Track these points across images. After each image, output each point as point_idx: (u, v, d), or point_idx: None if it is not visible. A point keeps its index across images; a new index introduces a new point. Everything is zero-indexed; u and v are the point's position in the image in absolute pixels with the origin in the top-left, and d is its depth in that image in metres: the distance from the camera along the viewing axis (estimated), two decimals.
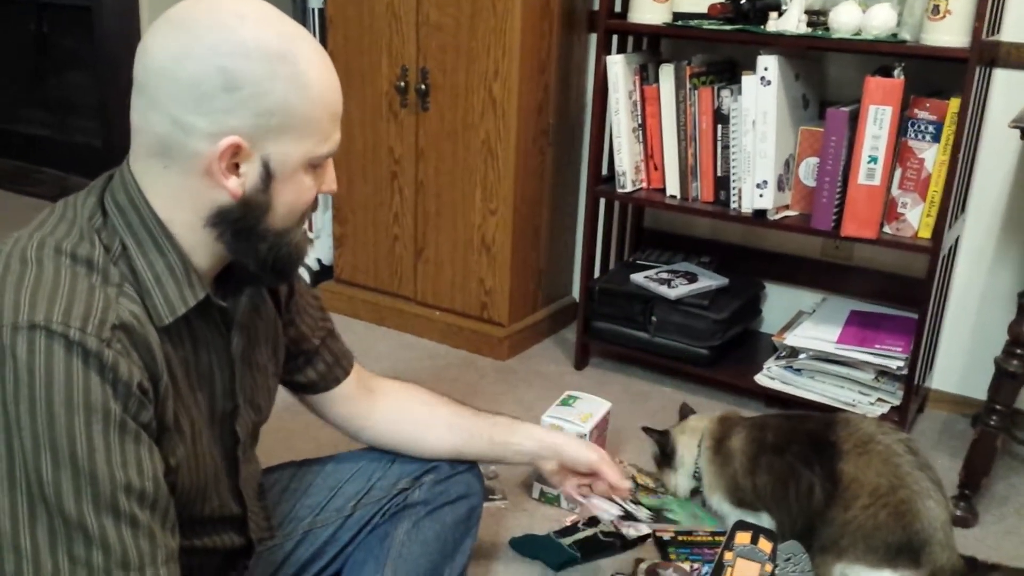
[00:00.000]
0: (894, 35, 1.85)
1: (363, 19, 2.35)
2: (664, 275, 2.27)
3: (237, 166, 0.89)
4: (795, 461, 1.51)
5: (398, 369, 2.22)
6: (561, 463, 1.37)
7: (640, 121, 2.16)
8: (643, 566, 1.51)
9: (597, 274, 2.41)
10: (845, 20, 1.86)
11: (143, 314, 0.88)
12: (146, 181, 0.91)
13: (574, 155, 2.49)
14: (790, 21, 1.93)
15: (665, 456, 1.71)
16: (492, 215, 2.30)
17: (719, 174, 2.09)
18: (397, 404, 1.33)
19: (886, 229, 1.92)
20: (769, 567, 1.40)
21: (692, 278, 2.26)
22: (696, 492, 1.71)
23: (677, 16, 2.08)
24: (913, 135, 1.86)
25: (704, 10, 2.04)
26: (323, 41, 2.42)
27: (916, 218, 1.89)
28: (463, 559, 1.33)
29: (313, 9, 2.66)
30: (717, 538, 1.62)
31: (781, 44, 1.95)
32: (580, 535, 1.60)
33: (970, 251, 2.10)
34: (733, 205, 2.08)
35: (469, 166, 2.29)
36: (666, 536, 1.62)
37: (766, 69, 1.92)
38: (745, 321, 2.31)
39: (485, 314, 2.38)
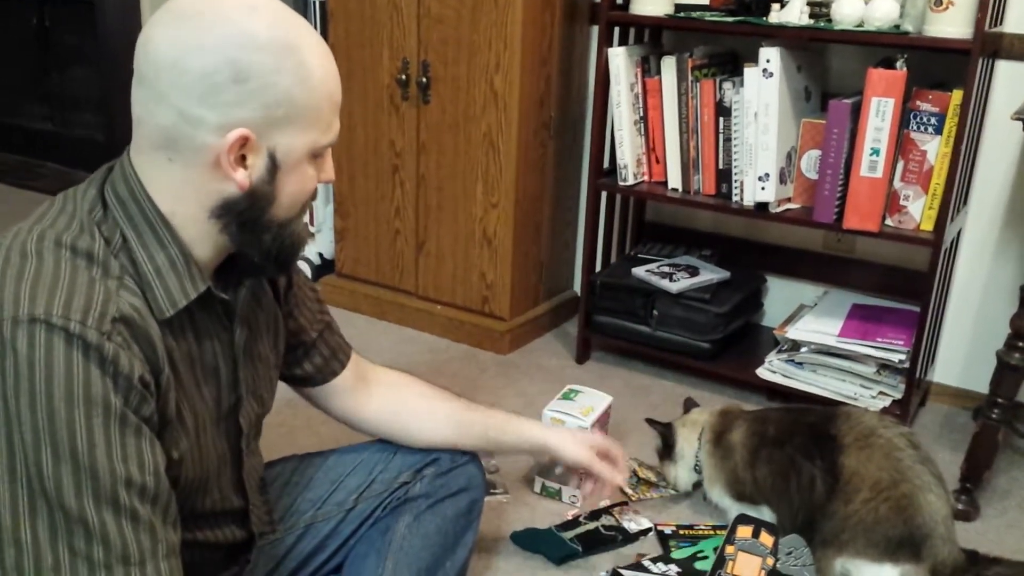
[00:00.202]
0: (896, 26, 1.85)
1: (364, 12, 2.34)
2: (665, 269, 2.27)
3: (244, 158, 0.89)
4: (796, 454, 1.51)
5: (399, 364, 2.19)
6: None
7: (642, 114, 2.16)
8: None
9: (598, 268, 2.41)
10: (847, 11, 1.85)
11: (144, 307, 0.88)
12: (148, 173, 0.90)
13: (576, 148, 2.49)
14: (792, 12, 1.92)
15: (666, 448, 1.72)
16: (493, 208, 2.29)
17: (721, 167, 2.08)
18: (395, 395, 1.34)
19: (888, 222, 1.92)
20: (770, 561, 1.40)
21: (694, 272, 2.26)
22: (698, 485, 1.71)
23: (679, 8, 2.08)
24: (915, 127, 1.85)
25: (706, 1, 2.03)
26: (324, 34, 2.41)
27: (918, 211, 1.89)
28: (464, 552, 1.33)
29: (314, 2, 2.65)
30: (718, 532, 1.62)
31: (783, 36, 1.95)
32: (581, 529, 1.61)
33: (972, 244, 2.09)
34: (735, 198, 2.07)
35: (470, 159, 2.29)
36: (667, 530, 1.63)
37: (768, 61, 1.91)
38: (747, 314, 2.31)
39: (486, 308, 2.38)
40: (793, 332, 2.08)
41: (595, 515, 1.65)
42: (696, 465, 1.68)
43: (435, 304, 2.47)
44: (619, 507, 1.69)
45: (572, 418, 1.66)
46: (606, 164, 2.26)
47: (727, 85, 2.03)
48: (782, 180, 2.02)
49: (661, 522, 1.65)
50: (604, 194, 2.32)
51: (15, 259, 0.85)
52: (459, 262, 2.39)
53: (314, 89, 0.90)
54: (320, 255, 2.77)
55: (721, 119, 2.05)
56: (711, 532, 1.63)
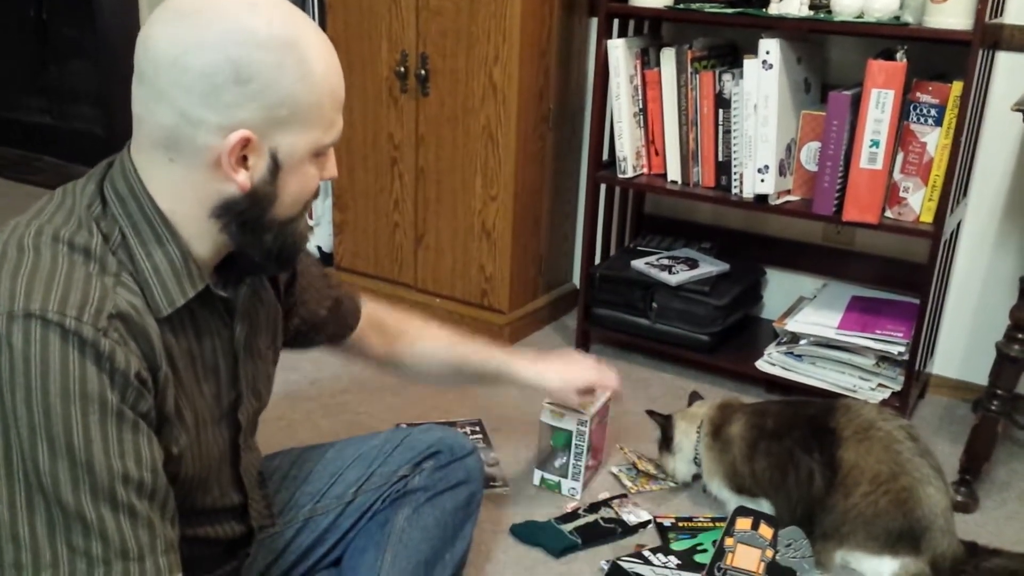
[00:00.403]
0: (896, 18, 1.84)
1: (362, 4, 2.34)
2: (665, 261, 2.27)
3: (245, 159, 0.88)
4: (795, 447, 1.51)
5: None
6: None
7: (641, 106, 2.15)
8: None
9: (598, 260, 2.40)
10: (847, 3, 1.84)
11: (142, 304, 0.88)
12: (148, 171, 0.90)
13: (575, 140, 2.48)
14: (792, 4, 1.91)
15: (665, 440, 1.72)
16: (492, 201, 2.29)
17: (720, 159, 2.08)
18: (407, 339, 1.41)
19: (888, 214, 1.92)
20: (770, 552, 1.41)
21: (693, 264, 2.26)
22: (696, 477, 1.71)
23: None
24: (915, 119, 1.85)
25: None
26: (322, 27, 2.40)
27: (918, 202, 1.88)
28: (463, 545, 1.33)
29: None
30: (718, 524, 1.62)
31: (783, 27, 1.94)
32: (581, 521, 1.61)
33: (972, 235, 2.09)
34: (734, 190, 2.07)
35: (469, 152, 2.29)
36: (667, 522, 1.63)
37: (768, 53, 1.91)
38: (746, 307, 2.31)
39: (485, 301, 2.38)
40: (792, 324, 2.08)
41: (594, 507, 1.66)
42: (695, 458, 1.68)
43: (434, 297, 2.46)
44: (618, 499, 1.69)
45: (571, 411, 1.66)
46: (605, 156, 2.26)
47: (726, 77, 2.02)
48: (781, 172, 2.01)
49: (660, 514, 1.65)
50: (603, 186, 2.31)
51: (12, 253, 0.85)
52: (458, 255, 2.39)
53: (316, 86, 0.89)
54: (319, 248, 2.77)
55: (720, 111, 2.05)
56: (710, 524, 1.63)
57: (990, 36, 1.81)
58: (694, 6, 2.03)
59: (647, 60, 2.14)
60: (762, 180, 1.99)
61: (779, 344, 2.12)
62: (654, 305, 2.20)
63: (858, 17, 1.85)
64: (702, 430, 1.66)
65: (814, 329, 2.04)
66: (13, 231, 0.88)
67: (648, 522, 1.63)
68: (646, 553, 1.52)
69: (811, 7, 1.92)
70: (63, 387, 0.80)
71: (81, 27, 3.56)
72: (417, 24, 2.26)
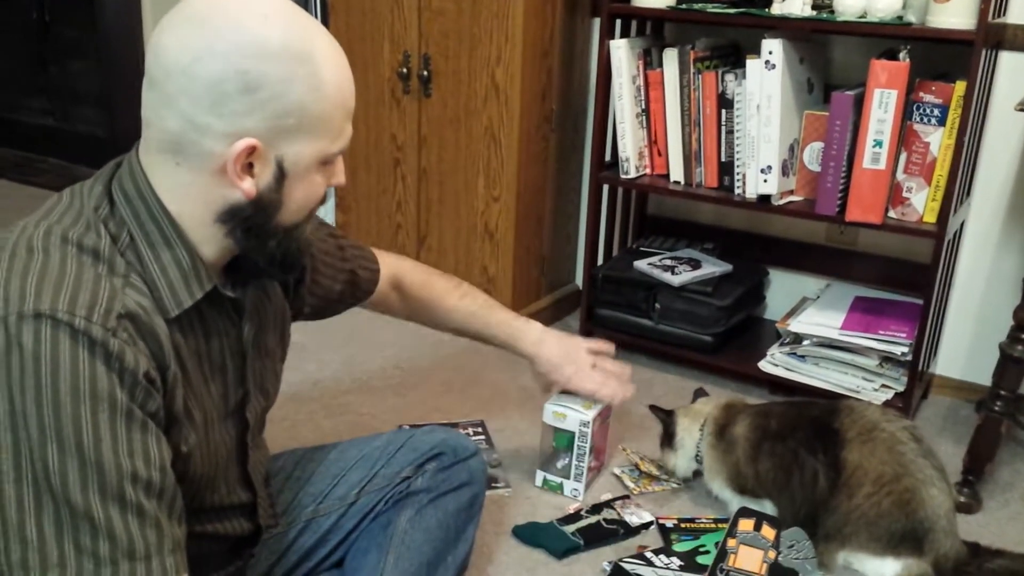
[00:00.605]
0: (899, 17, 1.84)
1: (365, 5, 2.34)
2: (667, 262, 2.27)
3: (251, 166, 0.89)
4: (798, 448, 1.51)
5: (402, 357, 2.22)
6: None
7: (644, 106, 2.15)
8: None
9: (600, 261, 2.40)
10: (850, 3, 1.84)
11: (151, 304, 0.88)
12: (156, 174, 0.90)
13: (577, 141, 2.48)
14: (795, 4, 1.91)
15: (667, 437, 1.72)
16: (495, 202, 2.29)
17: (723, 159, 2.08)
18: (425, 311, 1.50)
19: (891, 214, 1.91)
20: (772, 554, 1.40)
21: (696, 265, 2.26)
22: (696, 474, 1.71)
23: None
24: (918, 119, 1.84)
25: None
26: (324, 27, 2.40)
27: (921, 203, 1.88)
28: (466, 546, 1.34)
29: None
30: (720, 526, 1.62)
31: (786, 27, 1.94)
32: (583, 522, 1.61)
33: (975, 236, 2.09)
34: (737, 191, 2.07)
35: (472, 153, 2.29)
36: (669, 523, 1.63)
37: (771, 53, 1.91)
38: (749, 308, 2.31)
39: None
40: (795, 325, 2.08)
41: (597, 508, 1.65)
42: (697, 455, 1.68)
43: None
44: (621, 500, 1.69)
45: (574, 411, 1.66)
46: (608, 157, 2.26)
47: (729, 77, 2.02)
48: (784, 172, 2.01)
49: (663, 515, 1.65)
50: (606, 187, 2.31)
51: (21, 254, 0.85)
52: (461, 256, 2.39)
53: (327, 98, 0.89)
54: None
55: (723, 111, 2.05)
56: (713, 526, 1.63)
57: (993, 36, 1.81)
58: (696, 6, 2.03)
59: (650, 60, 2.14)
60: (765, 180, 1.99)
61: (782, 345, 2.12)
62: (657, 306, 2.20)
63: (861, 17, 1.85)
64: (705, 429, 1.66)
65: (817, 330, 2.04)
66: (22, 232, 0.88)
67: (650, 523, 1.63)
68: (648, 554, 1.52)
69: (814, 7, 1.92)
70: (73, 386, 0.80)
71: (83, 28, 3.56)
72: (419, 25, 2.26)
